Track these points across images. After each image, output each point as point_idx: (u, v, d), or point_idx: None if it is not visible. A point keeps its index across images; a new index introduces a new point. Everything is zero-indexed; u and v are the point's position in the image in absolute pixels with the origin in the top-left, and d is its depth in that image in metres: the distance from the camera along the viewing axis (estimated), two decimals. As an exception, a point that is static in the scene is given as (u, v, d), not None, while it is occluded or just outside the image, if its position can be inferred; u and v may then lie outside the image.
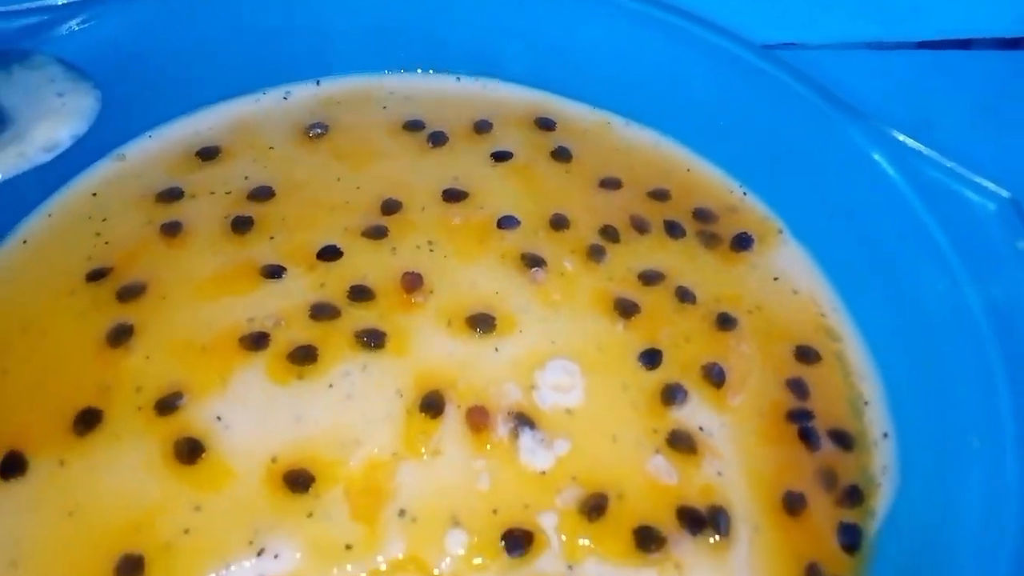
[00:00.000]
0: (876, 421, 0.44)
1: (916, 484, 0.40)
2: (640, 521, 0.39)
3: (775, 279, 0.51)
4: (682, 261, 0.51)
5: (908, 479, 0.41)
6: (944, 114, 0.62)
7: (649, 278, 0.49)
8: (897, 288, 0.46)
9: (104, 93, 0.47)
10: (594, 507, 0.40)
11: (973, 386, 0.39)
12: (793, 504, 0.41)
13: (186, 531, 0.38)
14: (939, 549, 0.36)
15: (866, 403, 0.45)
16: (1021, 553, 0.32)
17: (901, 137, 0.48)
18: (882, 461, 0.42)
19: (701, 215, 0.53)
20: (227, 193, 0.51)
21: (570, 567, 0.39)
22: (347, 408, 0.42)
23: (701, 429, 0.43)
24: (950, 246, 0.44)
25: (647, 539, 0.39)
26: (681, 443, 0.42)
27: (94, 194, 0.51)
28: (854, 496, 0.41)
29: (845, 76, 0.55)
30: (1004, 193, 0.44)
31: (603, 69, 0.58)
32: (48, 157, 0.39)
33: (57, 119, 0.39)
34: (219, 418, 0.41)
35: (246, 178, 0.52)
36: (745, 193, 0.55)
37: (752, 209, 0.54)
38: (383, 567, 0.37)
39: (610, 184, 0.54)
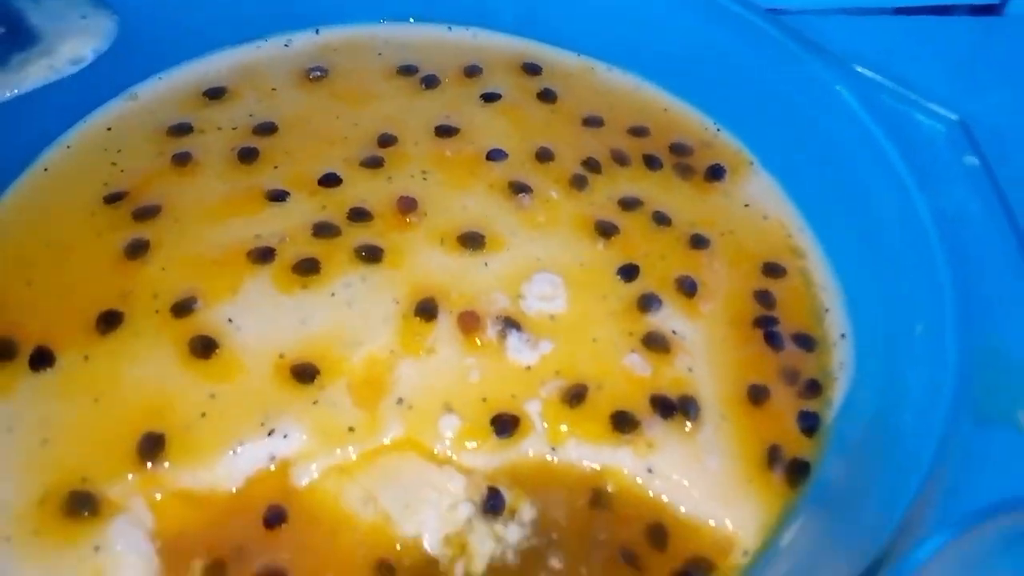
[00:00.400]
0: (835, 325, 0.48)
1: (868, 375, 0.44)
2: (616, 407, 0.44)
3: (746, 205, 0.55)
4: (659, 190, 0.55)
5: (861, 371, 0.45)
6: (918, 73, 0.66)
7: (628, 204, 0.53)
8: (856, 206, 0.50)
9: (119, 31, 0.51)
10: (574, 396, 0.44)
11: (920, 284, 0.43)
12: (757, 395, 0.45)
13: (203, 415, 0.42)
14: (887, 427, 0.40)
15: (827, 310, 0.49)
16: (954, 418, 0.36)
17: (860, 69, 0.52)
18: (840, 359, 0.47)
19: (677, 149, 0.57)
20: (233, 128, 0.55)
21: (553, 448, 0.43)
22: (348, 313, 0.46)
23: (674, 332, 0.47)
24: (904, 165, 0.48)
25: (622, 422, 0.43)
26: (655, 343, 0.46)
27: (109, 128, 0.55)
28: (813, 389, 0.45)
29: (823, 39, 0.58)
30: (953, 116, 0.49)
31: (587, 19, 0.62)
32: (74, 70, 0.43)
33: (81, 37, 0.43)
34: (230, 320, 0.45)
35: (251, 115, 0.56)
36: (719, 129, 0.59)
37: (725, 143, 0.58)
38: (385, 445, 0.42)
39: (592, 122, 0.58)
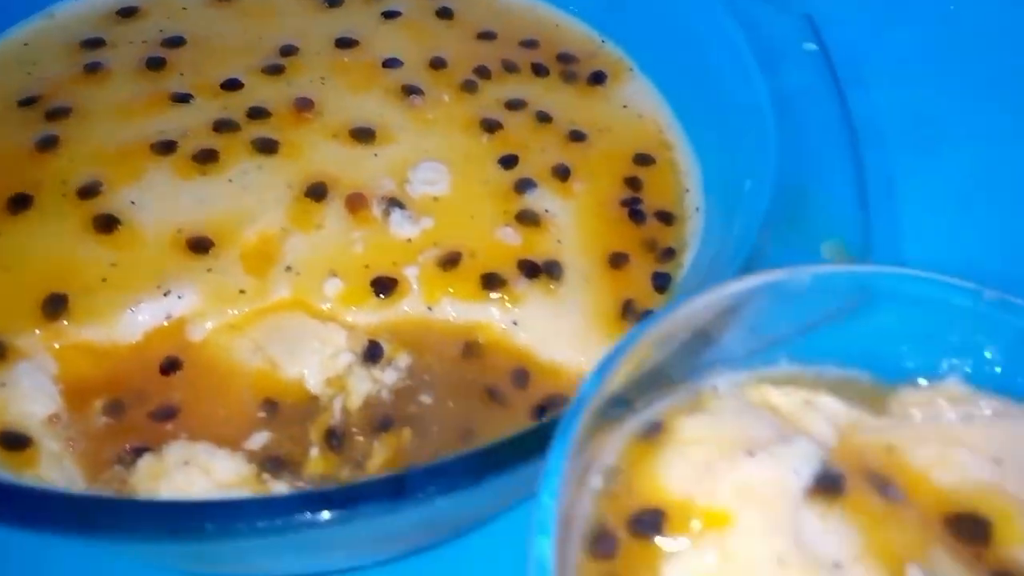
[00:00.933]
0: (692, 202, 0.53)
1: (712, 237, 0.49)
2: (486, 270, 0.48)
3: (624, 107, 0.60)
4: (544, 93, 0.60)
5: (708, 236, 0.50)
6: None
7: (513, 105, 0.58)
8: (716, 99, 0.55)
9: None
10: (449, 261, 0.48)
11: (754, 150, 0.48)
12: (618, 261, 0.50)
13: (104, 280, 0.46)
14: (718, 271, 0.45)
15: (687, 191, 0.54)
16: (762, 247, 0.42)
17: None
18: (693, 229, 0.52)
19: (564, 58, 0.62)
20: (143, 42, 0.59)
21: (429, 307, 0.47)
22: (244, 196, 0.50)
23: (547, 211, 0.52)
24: (753, 56, 0.53)
25: (492, 282, 0.48)
26: (527, 219, 0.51)
27: (25, 44, 0.59)
28: (668, 255, 0.50)
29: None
30: (801, 12, 0.54)
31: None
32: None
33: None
34: (133, 202, 0.49)
35: (161, 31, 0.60)
36: (604, 41, 0.63)
37: (609, 53, 0.63)
38: (273, 304, 0.46)
39: (486, 36, 0.63)
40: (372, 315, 0.47)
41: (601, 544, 0.29)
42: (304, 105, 0.55)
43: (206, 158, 0.51)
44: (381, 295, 0.47)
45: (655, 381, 0.34)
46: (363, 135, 0.54)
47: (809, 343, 0.36)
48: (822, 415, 0.34)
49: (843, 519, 0.30)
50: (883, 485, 0.32)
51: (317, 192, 0.51)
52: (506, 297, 0.48)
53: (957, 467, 0.32)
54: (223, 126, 0.53)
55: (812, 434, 0.33)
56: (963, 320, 0.35)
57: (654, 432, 0.32)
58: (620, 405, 0.33)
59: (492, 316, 0.48)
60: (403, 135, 0.55)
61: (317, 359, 0.45)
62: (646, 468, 0.31)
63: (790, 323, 0.37)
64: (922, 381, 0.37)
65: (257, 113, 0.54)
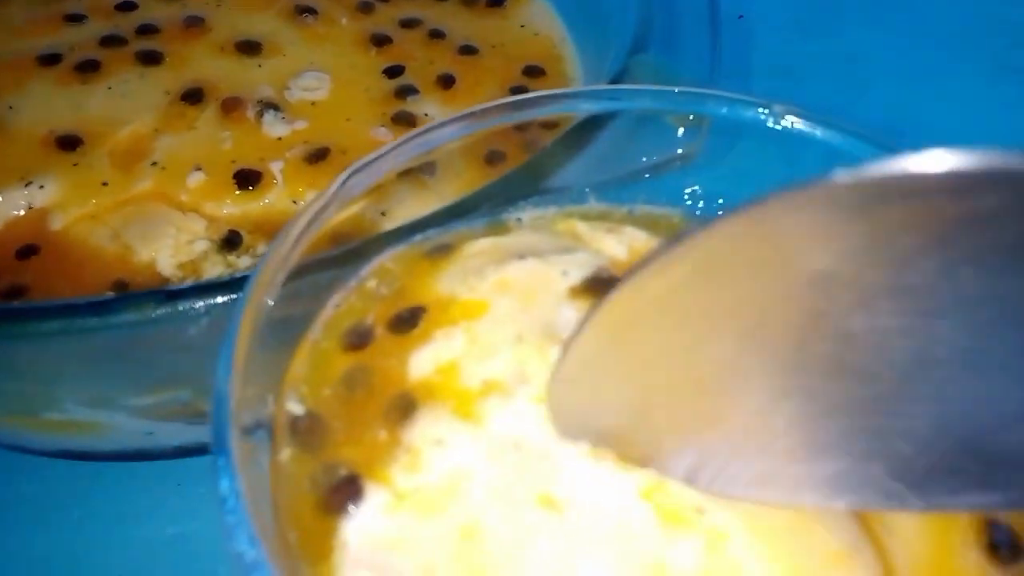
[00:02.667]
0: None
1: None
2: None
3: (522, 26, 0.61)
4: (442, 14, 0.61)
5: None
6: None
7: (407, 23, 0.59)
8: (605, 20, 0.56)
9: None
10: (316, 156, 0.49)
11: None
12: (493, 158, 0.50)
13: (-32, 171, 0.48)
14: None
15: (572, 94, 0.55)
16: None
17: None
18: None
19: (466, -18, 0.64)
20: (45, -29, 0.62)
21: (293, 201, 0.48)
22: (121, 102, 0.52)
23: (425, 115, 0.53)
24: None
25: (357, 174, 0.49)
26: (403, 119, 0.52)
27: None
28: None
29: None
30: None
31: None
32: None
33: None
34: (10, 107, 0.51)
35: (64, -38, 0.63)
36: (507, -34, 0.65)
37: (511, -22, 0.64)
38: (134, 194, 0.47)
39: (389, -37, 0.65)
40: (234, 207, 0.48)
41: (354, 338, 0.29)
42: (194, 23, 0.57)
43: (88, 68, 0.53)
44: (244, 188, 0.48)
45: (456, 214, 0.35)
46: (249, 48, 0.55)
47: (621, 184, 0.37)
48: (621, 240, 0.34)
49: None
50: None
51: (193, 96, 0.52)
52: (375, 193, 0.49)
53: None
54: (110, 41, 0.55)
55: (602, 251, 0.33)
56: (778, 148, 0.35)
57: (442, 251, 0.33)
58: (412, 232, 0.33)
59: (361, 211, 0.48)
60: (291, 49, 0.56)
61: (171, 243, 0.46)
62: (422, 277, 0.31)
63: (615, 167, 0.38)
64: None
65: (146, 30, 0.56)
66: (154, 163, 0.49)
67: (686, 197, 0.37)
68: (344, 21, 0.59)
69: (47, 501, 0.47)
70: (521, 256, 0.30)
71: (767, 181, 0.36)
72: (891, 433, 0.20)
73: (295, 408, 0.27)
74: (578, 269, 0.30)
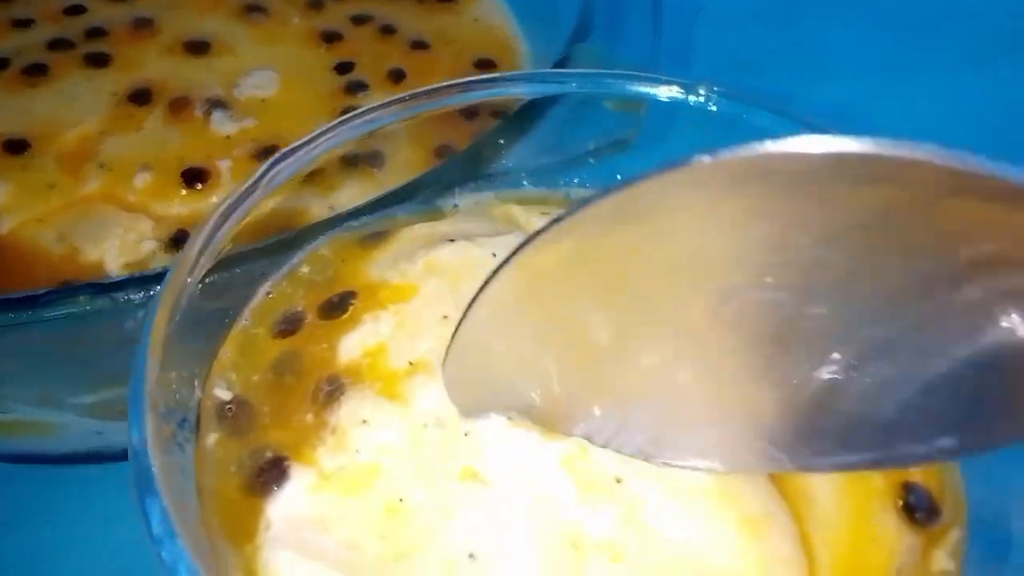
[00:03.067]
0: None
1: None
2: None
3: (475, 20, 0.61)
4: (394, 11, 0.61)
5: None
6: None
7: (359, 19, 0.60)
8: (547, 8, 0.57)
9: None
10: (264, 152, 0.50)
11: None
12: (443, 151, 0.51)
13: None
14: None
15: (523, 87, 0.55)
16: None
17: None
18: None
19: (418, -22, 0.64)
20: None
21: (242, 197, 0.49)
22: (69, 104, 0.52)
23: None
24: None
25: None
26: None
27: None
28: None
29: None
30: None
31: None
32: None
33: None
34: (-44, 115, 0.51)
35: (11, -32, 0.63)
36: (459, -38, 0.65)
37: (463, -27, 0.65)
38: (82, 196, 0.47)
39: (340, -38, 0.65)
40: (182, 206, 0.48)
41: (284, 324, 0.29)
42: (142, 24, 0.57)
43: (36, 72, 0.53)
44: (191, 186, 0.48)
45: (396, 201, 0.35)
46: (198, 48, 0.56)
47: (555, 169, 0.37)
48: None
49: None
50: None
51: (141, 97, 0.52)
52: (322, 185, 0.49)
53: None
54: (58, 44, 0.55)
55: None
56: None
57: (376, 238, 0.33)
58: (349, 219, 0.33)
59: (307, 203, 0.49)
60: (240, 48, 0.57)
61: (118, 244, 0.46)
62: (354, 263, 0.31)
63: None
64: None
65: (94, 32, 0.56)
66: (101, 165, 0.49)
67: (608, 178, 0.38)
68: (295, 19, 0.60)
69: (14, 507, 0.47)
70: (452, 239, 0.31)
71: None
72: (763, 401, 0.21)
73: (223, 394, 0.27)
74: (507, 250, 0.30)
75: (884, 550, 0.26)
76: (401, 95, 0.35)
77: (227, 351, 0.29)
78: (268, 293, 0.31)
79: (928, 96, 0.65)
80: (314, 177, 0.49)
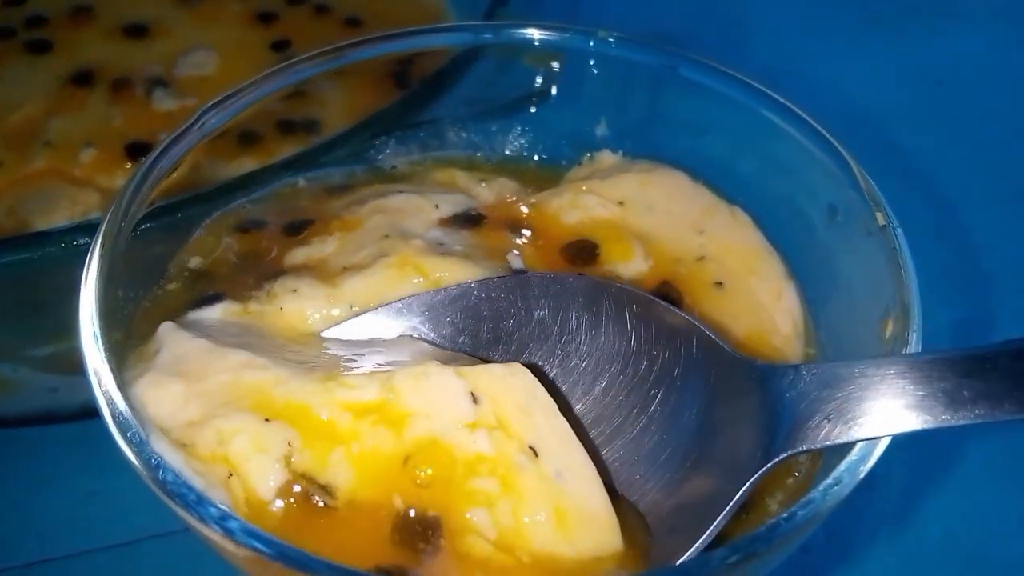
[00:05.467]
0: (454, 63, 0.58)
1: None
2: (243, 130, 0.52)
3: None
4: (329, -7, 0.65)
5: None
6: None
7: (294, 0, 0.63)
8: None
9: None
10: (207, 125, 0.53)
11: None
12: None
13: None
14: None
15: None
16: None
17: None
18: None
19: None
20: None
21: (185, 168, 0.52)
22: (12, 90, 0.55)
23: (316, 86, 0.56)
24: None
25: (248, 139, 0.51)
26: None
27: None
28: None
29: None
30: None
31: None
32: None
33: None
34: (-99, 103, 0.53)
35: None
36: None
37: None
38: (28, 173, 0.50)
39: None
40: (127, 178, 0.51)
41: (248, 225, 0.33)
42: (81, 11, 0.60)
43: (-24, 61, 0.56)
44: (136, 159, 0.51)
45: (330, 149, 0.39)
46: (137, 31, 0.58)
47: (477, 119, 0.41)
48: (491, 188, 0.38)
49: (469, 237, 0.34)
50: (516, 227, 0.36)
51: (83, 79, 0.55)
52: (263, 152, 0.52)
53: (582, 209, 0.37)
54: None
55: (475, 195, 0.38)
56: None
57: (340, 189, 0.37)
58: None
59: (247, 168, 0.52)
60: (178, 30, 0.59)
61: (67, 216, 0.49)
62: (319, 203, 0.35)
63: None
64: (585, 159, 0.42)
65: (34, 21, 0.59)
66: (47, 142, 0.52)
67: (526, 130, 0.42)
68: (233, 7, 0.62)
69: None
70: (401, 191, 0.35)
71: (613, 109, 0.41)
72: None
73: (194, 263, 0.32)
74: (450, 205, 0.34)
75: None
76: (327, 47, 0.38)
77: (203, 239, 0.33)
78: (234, 211, 0.35)
79: (839, 55, 0.70)
80: (254, 142, 0.52)
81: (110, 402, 0.27)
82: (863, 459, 0.26)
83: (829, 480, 0.26)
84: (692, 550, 0.26)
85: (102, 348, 0.29)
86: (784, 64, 0.72)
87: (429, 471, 0.26)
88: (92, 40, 0.58)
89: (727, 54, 0.72)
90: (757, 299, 0.33)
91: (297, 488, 0.27)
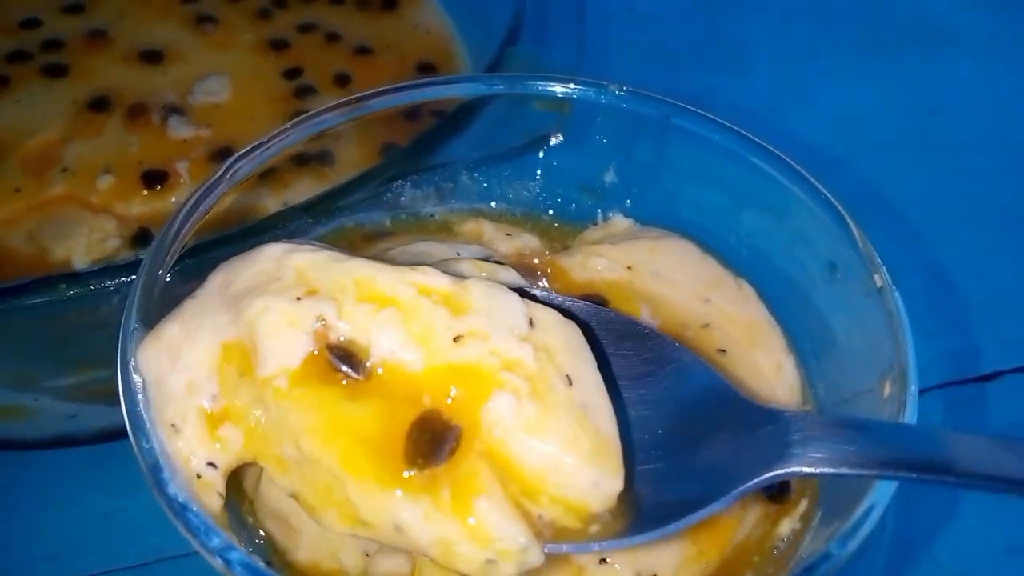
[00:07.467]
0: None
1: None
2: (257, 161, 0.54)
3: (415, 26, 0.66)
4: (336, 18, 0.66)
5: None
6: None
7: (305, 28, 0.64)
8: (481, 13, 0.62)
9: None
10: (220, 153, 0.54)
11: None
12: (387, 150, 0.56)
13: None
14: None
15: (462, 88, 0.61)
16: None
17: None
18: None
19: (360, -13, 0.69)
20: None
21: (200, 196, 0.53)
22: (30, 113, 0.56)
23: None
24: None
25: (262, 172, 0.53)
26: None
27: None
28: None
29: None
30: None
31: None
32: None
33: None
34: (-82, 127, 0.55)
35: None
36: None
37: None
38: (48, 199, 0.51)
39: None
40: (143, 206, 0.52)
41: None
42: (97, 35, 0.61)
43: (-3, 83, 0.57)
44: (152, 187, 0.52)
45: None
46: (152, 57, 0.60)
47: (488, 163, 0.42)
48: (514, 243, 0.40)
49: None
50: (530, 276, 0.38)
51: (100, 105, 0.56)
52: (277, 183, 0.53)
53: (592, 270, 0.39)
54: (16, 57, 0.59)
55: (495, 248, 0.40)
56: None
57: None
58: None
59: (263, 199, 0.53)
60: (193, 56, 0.61)
61: (84, 242, 0.50)
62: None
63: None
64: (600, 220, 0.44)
65: (51, 44, 0.60)
66: (64, 169, 0.53)
67: (538, 175, 0.44)
68: (240, 26, 0.64)
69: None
70: (424, 239, 0.37)
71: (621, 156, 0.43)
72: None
73: None
74: (469, 253, 0.36)
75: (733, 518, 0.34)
76: (348, 98, 0.40)
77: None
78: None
79: (837, 86, 0.71)
80: (269, 176, 0.53)
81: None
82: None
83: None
84: (666, 529, 0.29)
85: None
86: (782, 90, 0.74)
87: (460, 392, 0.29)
88: (108, 65, 0.59)
89: (728, 78, 0.75)
90: (758, 368, 0.35)
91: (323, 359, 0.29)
